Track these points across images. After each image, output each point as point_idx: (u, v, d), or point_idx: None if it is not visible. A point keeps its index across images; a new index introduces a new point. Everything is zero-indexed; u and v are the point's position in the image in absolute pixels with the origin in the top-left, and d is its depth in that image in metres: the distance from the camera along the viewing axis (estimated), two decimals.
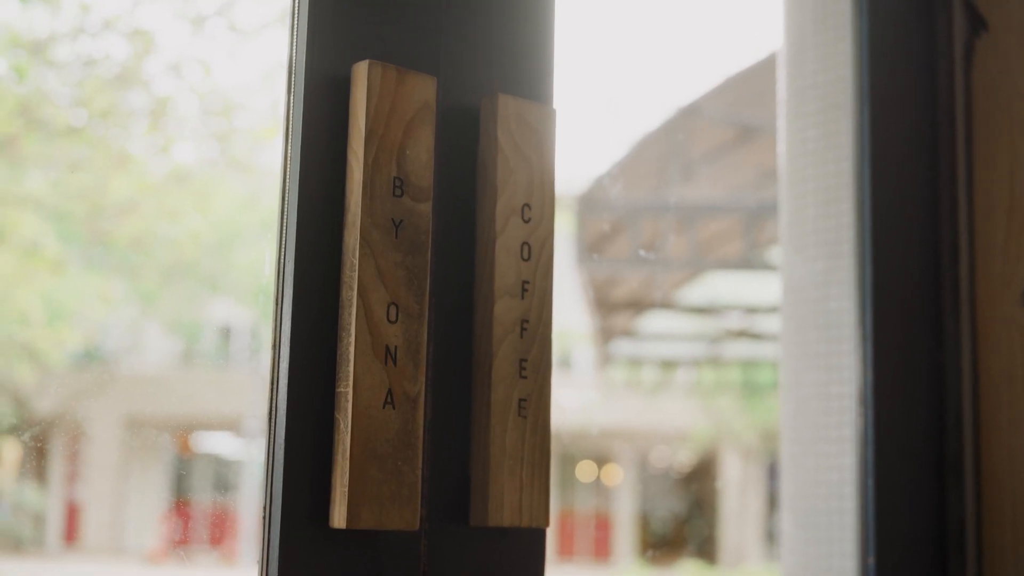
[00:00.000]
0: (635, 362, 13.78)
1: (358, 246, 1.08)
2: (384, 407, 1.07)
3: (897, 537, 1.54)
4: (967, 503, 1.54)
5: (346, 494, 1.04)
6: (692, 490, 21.21)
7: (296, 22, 1.15)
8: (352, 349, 1.07)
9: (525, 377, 1.14)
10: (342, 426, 1.07)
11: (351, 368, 1.06)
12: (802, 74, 1.78)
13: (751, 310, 10.12)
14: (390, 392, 1.08)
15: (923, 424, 1.57)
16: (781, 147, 1.85)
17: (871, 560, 1.52)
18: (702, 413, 17.59)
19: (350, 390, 1.06)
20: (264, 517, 1.08)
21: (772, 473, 18.44)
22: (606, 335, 10.51)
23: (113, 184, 8.87)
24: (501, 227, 1.14)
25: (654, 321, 11.03)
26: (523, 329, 1.14)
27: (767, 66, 5.91)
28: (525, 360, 1.14)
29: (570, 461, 19.44)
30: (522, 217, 1.16)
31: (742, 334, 11.16)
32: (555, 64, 1.24)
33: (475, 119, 1.18)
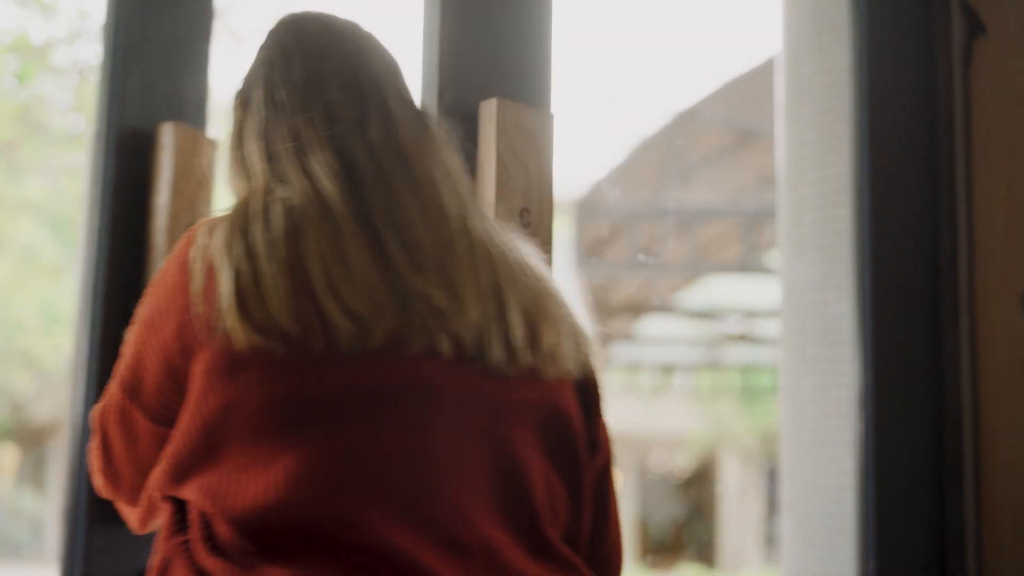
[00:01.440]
0: (634, 366, 13.77)
1: None
2: None
3: (897, 541, 1.53)
4: (967, 507, 1.54)
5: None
6: (691, 494, 21.21)
7: (105, 80, 1.33)
8: None
9: None
10: None
11: None
12: (800, 78, 1.78)
13: (749, 314, 10.12)
14: None
15: (922, 428, 1.56)
16: (780, 151, 1.85)
17: (871, 564, 1.52)
18: (701, 417, 17.58)
19: None
20: (69, 516, 1.27)
21: (771, 477, 18.43)
22: (604, 339, 10.50)
23: None
24: None
25: (653, 325, 11.03)
26: None
27: (765, 70, 5.92)
28: None
29: None
30: (521, 222, 1.16)
31: (741, 338, 11.16)
32: (553, 69, 1.24)
33: (473, 124, 1.18)
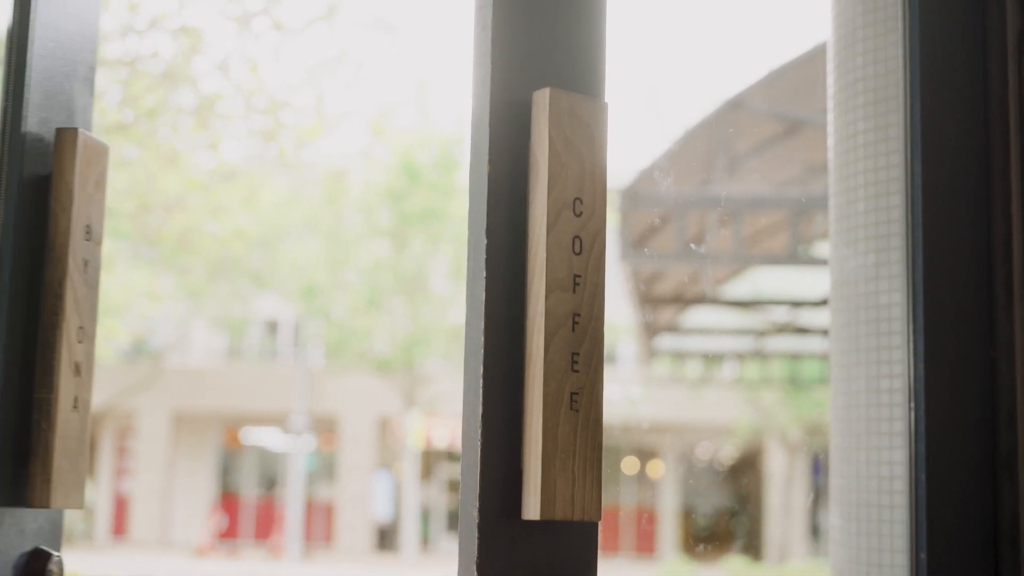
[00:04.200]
0: (679, 356, 13.74)
1: (64, 280, 1.37)
2: (73, 410, 1.38)
3: (948, 532, 1.53)
4: (1020, 498, 1.53)
5: (48, 481, 1.35)
6: (737, 484, 21.13)
7: (11, 79, 1.39)
8: (55, 363, 1.36)
9: (577, 371, 1.15)
10: (44, 426, 1.35)
11: (54, 379, 1.35)
12: (852, 67, 1.77)
13: (796, 304, 10.06)
14: (76, 399, 1.38)
15: (975, 419, 1.56)
16: (831, 141, 1.84)
17: (923, 555, 1.52)
18: (746, 407, 17.52)
19: (53, 396, 1.35)
20: None
21: (816, 467, 18.33)
22: (651, 329, 10.48)
23: (161, 181, 8.96)
24: (553, 221, 1.15)
25: (699, 315, 10.99)
26: (575, 323, 1.15)
27: (812, 59, 5.87)
28: (577, 354, 1.15)
29: (614, 455, 19.42)
30: (574, 211, 1.16)
31: (787, 328, 11.09)
32: (607, 58, 1.24)
33: (527, 114, 1.19)
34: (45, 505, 1.33)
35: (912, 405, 1.55)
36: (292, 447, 19.74)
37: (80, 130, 1.40)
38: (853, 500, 1.71)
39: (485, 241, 1.15)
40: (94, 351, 1.42)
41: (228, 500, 20.86)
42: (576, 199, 1.17)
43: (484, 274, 1.14)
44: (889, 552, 1.64)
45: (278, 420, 20.32)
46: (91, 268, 1.41)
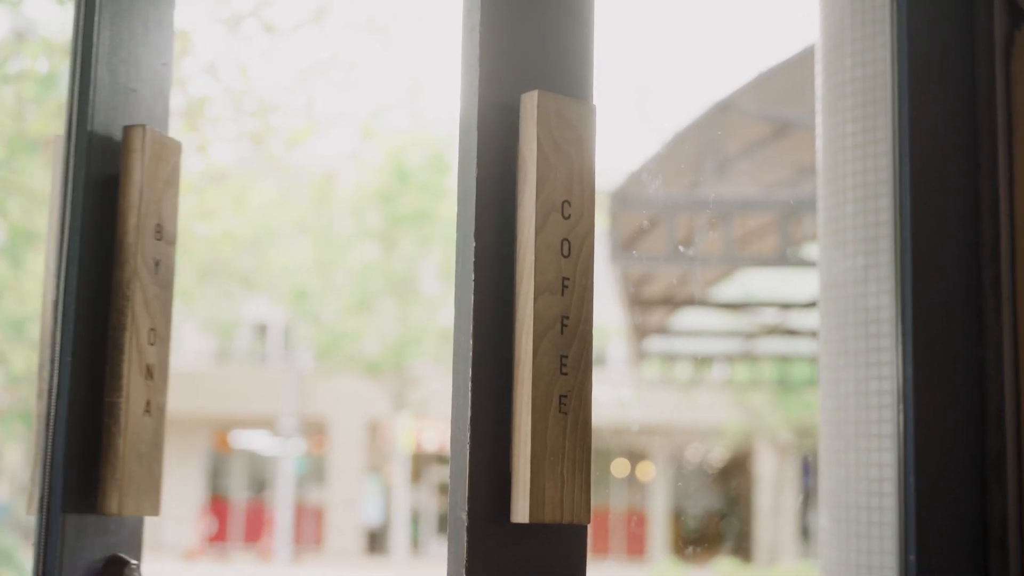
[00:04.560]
0: (669, 358, 13.75)
1: (132, 280, 1.34)
2: (144, 414, 1.34)
3: (938, 534, 1.53)
4: (1009, 500, 1.53)
5: (119, 486, 1.32)
6: (726, 486, 21.15)
7: (75, 87, 1.36)
8: (125, 366, 1.33)
9: (566, 373, 1.14)
10: (114, 430, 1.32)
11: (124, 382, 1.33)
12: (840, 69, 1.77)
13: (786, 306, 10.07)
14: (149, 402, 1.35)
15: (964, 420, 1.56)
16: (819, 142, 1.85)
17: (912, 557, 1.52)
18: (736, 409, 17.54)
19: (123, 400, 1.32)
20: (42, 507, 1.31)
21: (806, 469, 18.36)
22: (640, 331, 10.48)
23: None
24: (541, 224, 1.15)
25: (688, 317, 11.00)
26: (563, 325, 1.15)
27: (802, 61, 5.88)
28: (565, 356, 1.14)
29: (604, 457, 19.42)
30: (562, 214, 1.16)
31: (776, 330, 11.11)
32: (595, 60, 1.24)
33: (515, 116, 1.18)
34: (115, 512, 1.30)
35: (901, 407, 1.55)
36: (282, 450, 19.71)
37: (147, 127, 1.37)
38: (842, 502, 1.71)
39: (473, 244, 1.15)
40: (168, 353, 1.38)
41: (218, 503, 20.82)
42: (564, 202, 1.16)
43: (472, 277, 1.14)
44: (878, 554, 1.64)
45: (267, 423, 20.29)
46: (163, 268, 1.37)
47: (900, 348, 1.56)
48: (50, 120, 7.21)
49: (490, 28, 1.19)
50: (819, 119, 1.84)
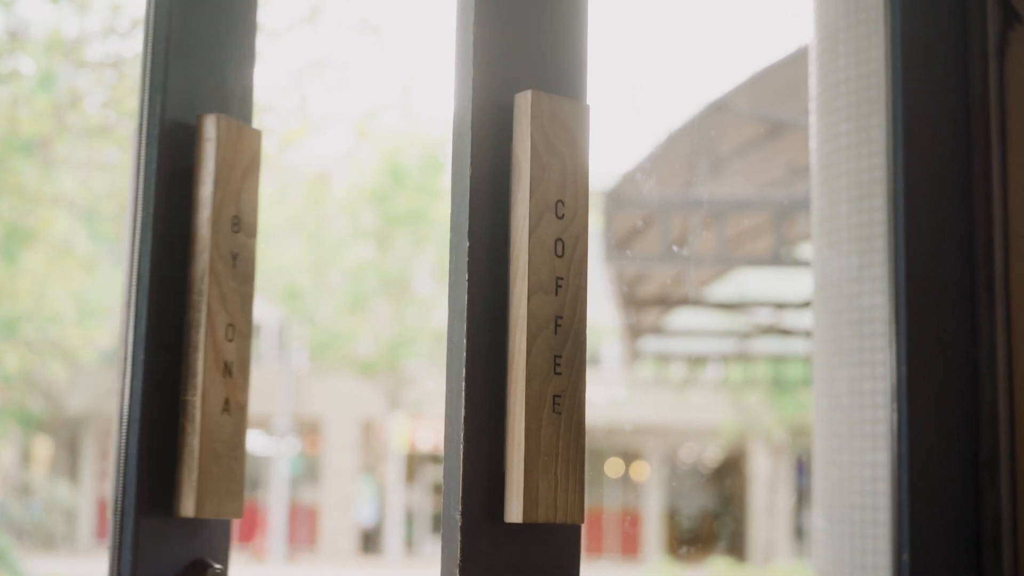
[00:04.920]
0: (663, 358, 13.75)
1: (207, 274, 1.29)
2: (222, 413, 1.29)
3: (931, 533, 1.53)
4: (1002, 499, 1.53)
5: (195, 488, 1.25)
6: (721, 486, 21.16)
7: (146, 72, 1.32)
8: (200, 364, 1.27)
9: (559, 373, 1.14)
10: (189, 430, 1.27)
11: (199, 380, 1.27)
12: (834, 69, 1.78)
13: (780, 306, 10.08)
14: (227, 401, 1.29)
15: (958, 420, 1.56)
16: (813, 142, 1.85)
17: (905, 556, 1.52)
18: (731, 409, 17.55)
19: (198, 399, 1.26)
20: (116, 509, 1.27)
21: (800, 469, 18.38)
22: (634, 331, 10.49)
23: None
24: (535, 223, 1.15)
25: (683, 317, 11.01)
26: (557, 325, 1.15)
27: (796, 61, 5.88)
28: (559, 356, 1.14)
29: (598, 457, 19.43)
30: (556, 214, 1.16)
31: (771, 330, 11.12)
32: (589, 60, 1.24)
33: (509, 116, 1.18)
34: (191, 514, 1.24)
35: (895, 406, 1.55)
36: (276, 450, 19.70)
37: (221, 115, 1.31)
38: (836, 501, 1.71)
39: (467, 243, 1.14)
40: (249, 350, 1.32)
41: None
42: (558, 201, 1.16)
43: (466, 277, 1.14)
44: (872, 553, 1.65)
45: (262, 423, 20.27)
46: (242, 261, 1.31)
47: (894, 348, 1.56)
48: (44, 120, 7.20)
49: (484, 27, 1.18)
50: (813, 119, 1.84)
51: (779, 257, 7.04)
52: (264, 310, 20.46)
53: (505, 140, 1.18)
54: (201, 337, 1.27)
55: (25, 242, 8.44)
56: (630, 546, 20.10)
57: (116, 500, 1.25)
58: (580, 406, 1.15)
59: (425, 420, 19.28)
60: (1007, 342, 1.56)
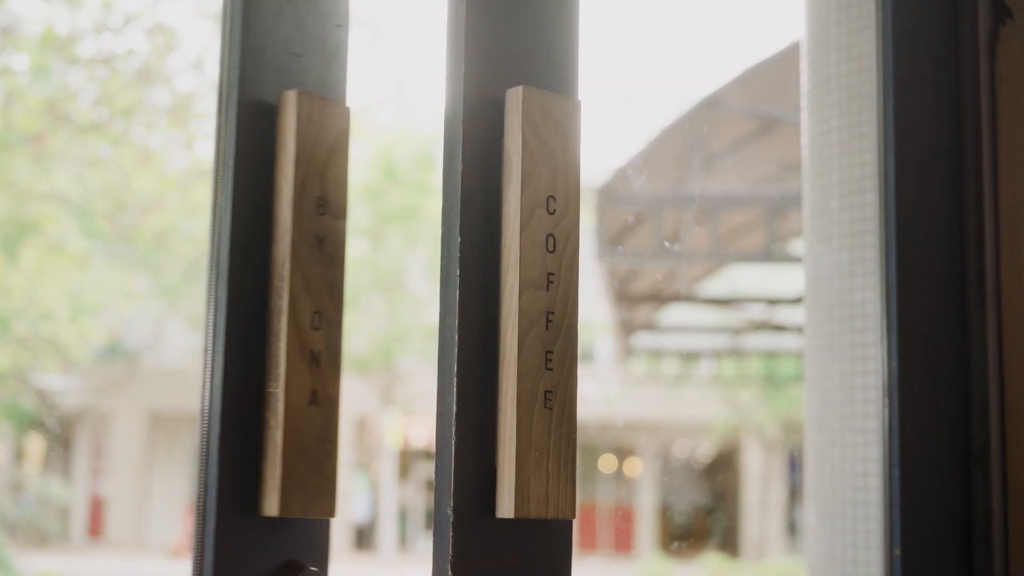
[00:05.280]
0: (656, 354, 13.77)
1: (288, 259, 1.20)
2: (309, 406, 1.20)
3: (923, 528, 1.53)
4: (993, 494, 1.53)
5: (278, 485, 1.16)
6: (713, 482, 21.18)
7: (227, 49, 1.25)
8: (283, 354, 1.19)
9: (551, 369, 1.14)
10: (272, 423, 1.18)
11: (282, 371, 1.19)
12: (825, 65, 1.78)
13: (773, 302, 10.09)
14: (314, 392, 1.20)
15: (949, 415, 1.56)
16: (804, 138, 1.85)
17: (897, 552, 1.52)
18: (723, 405, 17.57)
19: (281, 391, 1.18)
20: (199, 508, 1.19)
21: (793, 464, 18.41)
22: (627, 327, 10.50)
23: (136, 180, 8.93)
24: (526, 219, 1.15)
25: (676, 313, 11.02)
26: (548, 321, 1.15)
27: (788, 57, 5.89)
28: (551, 352, 1.15)
29: (592, 453, 19.44)
30: (547, 209, 1.16)
31: (763, 326, 11.13)
32: (580, 56, 1.24)
33: (500, 111, 1.18)
34: (275, 513, 1.16)
35: (886, 402, 1.55)
36: None
37: (303, 92, 1.23)
38: (828, 497, 1.71)
39: (458, 239, 1.15)
40: (340, 338, 1.23)
41: None
42: (550, 197, 1.16)
43: (457, 273, 1.14)
44: (864, 549, 1.65)
45: None
46: (329, 245, 1.22)
47: (885, 343, 1.56)
48: (37, 116, 7.19)
49: (475, 23, 1.19)
50: (804, 115, 1.85)
51: (771, 253, 7.05)
52: None
53: (496, 136, 1.18)
54: (283, 325, 1.19)
55: (18, 238, 8.42)
56: (623, 542, 20.12)
57: (198, 499, 1.18)
58: (572, 402, 1.16)
59: (418, 417, 19.28)
60: (998, 337, 1.56)
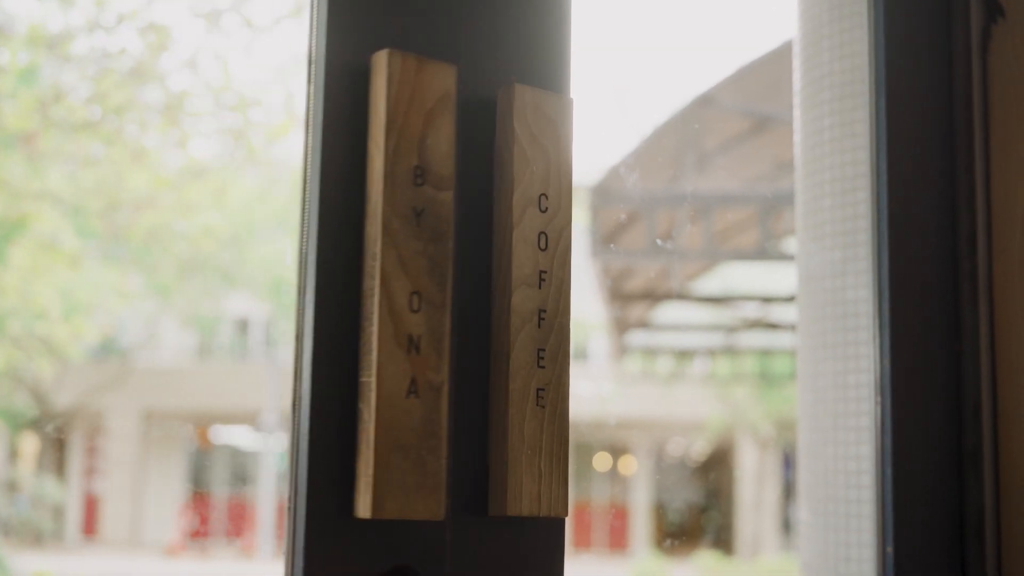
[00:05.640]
0: (650, 352, 13.78)
1: (380, 235, 1.08)
2: (408, 396, 1.07)
3: (915, 526, 1.54)
4: (985, 492, 1.54)
5: (371, 484, 1.05)
6: (708, 480, 21.20)
7: (315, 12, 1.16)
8: (375, 339, 1.07)
9: (543, 367, 1.14)
10: (365, 416, 1.07)
11: (374, 358, 1.07)
12: (818, 63, 1.78)
13: (766, 300, 10.10)
14: (414, 381, 1.08)
15: (941, 413, 1.56)
16: (797, 137, 1.85)
17: (889, 549, 1.52)
18: (718, 403, 17.59)
19: (373, 380, 1.07)
20: (289, 508, 1.09)
21: (787, 463, 18.44)
22: (621, 326, 10.50)
23: (129, 179, 8.92)
24: (518, 217, 1.15)
25: (669, 312, 11.02)
26: (540, 319, 1.15)
27: (781, 55, 5.89)
28: (543, 350, 1.15)
29: (586, 452, 19.45)
30: (539, 207, 1.16)
31: (757, 324, 11.14)
32: (572, 54, 1.24)
33: (492, 109, 1.18)
34: (367, 514, 1.05)
35: (879, 399, 1.55)
36: (263, 445, 19.67)
37: (395, 51, 1.11)
38: (821, 495, 1.72)
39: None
40: (445, 320, 1.10)
41: (199, 499, 20.77)
42: (541, 195, 1.16)
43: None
44: (856, 546, 1.65)
45: (249, 419, 20.24)
46: (430, 218, 1.10)
47: (878, 341, 1.56)
48: (29, 115, 7.17)
49: (468, 21, 1.18)
50: (797, 113, 1.85)
51: (765, 251, 7.05)
52: (251, 305, 20.43)
53: (488, 134, 1.18)
54: (375, 308, 1.07)
55: (10, 238, 8.41)
56: (618, 540, 20.13)
57: (288, 498, 1.09)
58: (564, 399, 1.16)
59: None
60: (990, 335, 1.56)
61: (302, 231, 1.13)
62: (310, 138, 1.13)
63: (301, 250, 1.13)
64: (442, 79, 1.12)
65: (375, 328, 1.07)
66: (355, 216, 1.11)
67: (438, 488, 1.08)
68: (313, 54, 1.15)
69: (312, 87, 1.14)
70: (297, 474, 1.09)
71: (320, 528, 1.07)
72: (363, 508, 1.06)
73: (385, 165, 1.09)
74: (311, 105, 1.14)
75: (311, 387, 1.08)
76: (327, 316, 1.09)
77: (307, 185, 1.14)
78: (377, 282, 1.08)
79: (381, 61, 1.11)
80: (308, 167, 1.14)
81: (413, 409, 1.08)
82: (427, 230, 1.10)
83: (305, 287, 1.11)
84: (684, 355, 14.34)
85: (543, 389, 1.14)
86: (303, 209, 1.14)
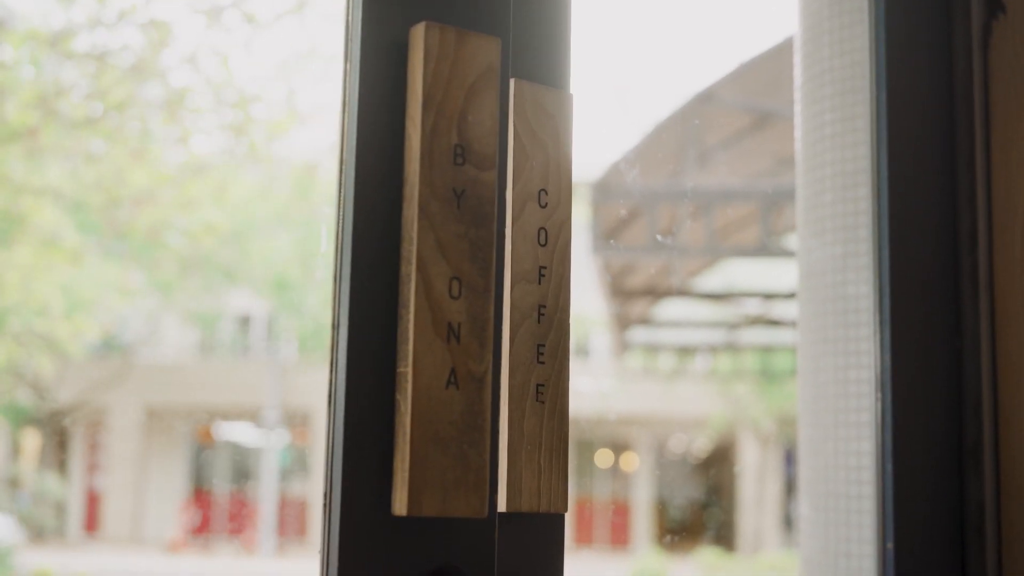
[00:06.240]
0: (652, 349, 13.77)
1: (416, 218, 1.04)
2: (447, 387, 1.03)
3: (916, 522, 1.53)
4: (986, 488, 1.54)
5: (406, 480, 1.01)
6: (709, 476, 21.21)
7: None
8: (411, 327, 1.03)
9: (543, 362, 1.14)
10: (402, 408, 1.03)
11: (410, 347, 1.02)
12: (819, 59, 1.78)
13: (768, 296, 10.10)
14: (453, 371, 1.03)
15: (942, 409, 1.56)
16: (798, 132, 1.85)
17: (890, 545, 1.52)
18: (719, 399, 17.59)
19: (410, 370, 1.02)
20: (324, 504, 1.05)
21: (789, 459, 18.45)
22: (623, 322, 10.50)
23: (130, 175, 8.92)
24: (517, 213, 1.15)
25: (671, 308, 11.02)
26: (540, 314, 1.15)
27: (782, 51, 5.89)
28: (543, 345, 1.14)
29: (588, 448, 19.45)
30: (538, 203, 1.16)
31: (759, 320, 11.14)
32: (572, 49, 1.24)
33: None
34: (403, 511, 1.01)
35: (879, 395, 1.55)
36: (265, 442, 19.68)
37: (432, 24, 1.06)
38: (821, 491, 1.71)
39: None
40: (489, 307, 1.06)
41: (201, 496, 20.78)
42: (541, 190, 1.16)
43: None
44: (857, 542, 1.65)
45: (251, 415, 20.25)
46: (471, 199, 1.05)
47: (878, 337, 1.56)
48: (30, 110, 7.17)
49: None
50: (798, 109, 1.85)
51: (766, 247, 7.05)
52: (252, 302, 20.43)
53: None
54: (411, 294, 1.02)
55: (11, 233, 8.41)
56: (619, 536, 20.14)
57: (324, 494, 1.05)
58: (564, 395, 1.15)
59: None
60: (991, 331, 1.56)
61: (338, 216, 1.09)
62: (346, 118, 1.09)
63: (337, 236, 1.09)
64: (485, 52, 1.08)
65: (411, 316, 1.02)
66: (394, 199, 1.07)
67: (481, 484, 1.03)
68: (350, 30, 1.10)
69: (348, 64, 1.09)
70: (332, 469, 1.05)
71: (357, 526, 1.02)
72: (399, 505, 1.01)
73: (422, 144, 1.04)
74: (347, 83, 1.09)
75: (346, 378, 1.04)
76: (364, 304, 1.05)
77: (343, 168, 1.09)
78: (413, 267, 1.03)
79: (419, 34, 1.06)
80: (344, 147, 1.09)
81: (453, 401, 1.03)
82: (468, 212, 1.06)
83: (341, 275, 1.07)
84: (685, 351, 14.34)
85: (543, 385, 1.14)
86: (339, 194, 1.09)
